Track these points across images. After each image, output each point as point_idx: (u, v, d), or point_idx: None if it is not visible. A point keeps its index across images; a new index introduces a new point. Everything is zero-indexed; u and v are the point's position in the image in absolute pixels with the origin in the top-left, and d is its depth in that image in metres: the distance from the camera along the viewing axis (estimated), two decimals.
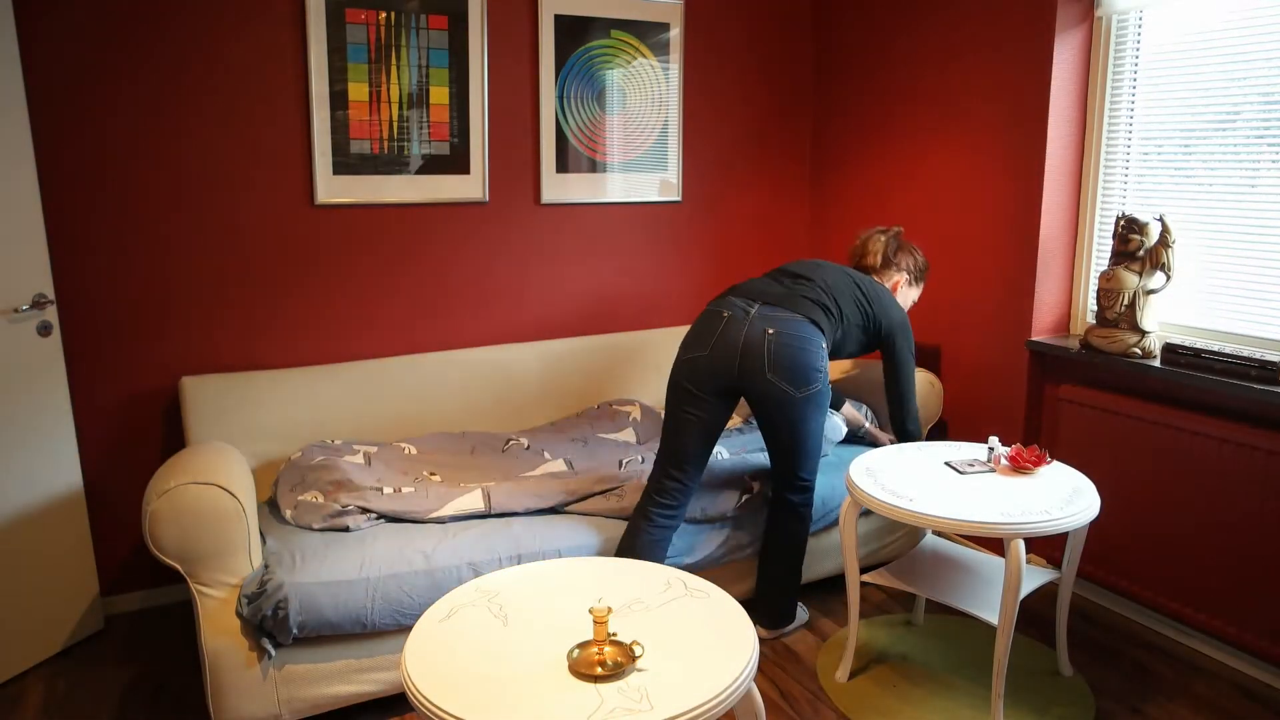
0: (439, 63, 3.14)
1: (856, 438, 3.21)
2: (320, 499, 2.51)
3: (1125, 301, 2.76)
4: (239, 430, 2.81)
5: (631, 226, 3.61)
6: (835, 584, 3.12)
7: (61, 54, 2.66)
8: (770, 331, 2.45)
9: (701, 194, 3.74)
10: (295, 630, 2.17)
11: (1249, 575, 2.50)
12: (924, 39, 3.36)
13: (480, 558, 2.39)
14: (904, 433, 2.81)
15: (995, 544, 3.27)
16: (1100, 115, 2.95)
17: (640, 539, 2.53)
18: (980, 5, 3.12)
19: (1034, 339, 3.04)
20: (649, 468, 3.03)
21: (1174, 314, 2.82)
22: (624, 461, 2.89)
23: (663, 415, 2.66)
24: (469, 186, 3.26)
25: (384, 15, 3.02)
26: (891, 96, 3.53)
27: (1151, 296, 2.74)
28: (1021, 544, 2.17)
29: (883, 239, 2.92)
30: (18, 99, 2.51)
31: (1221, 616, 2.58)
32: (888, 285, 2.90)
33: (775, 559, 2.67)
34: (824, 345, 2.51)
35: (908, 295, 2.99)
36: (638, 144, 3.55)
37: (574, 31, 3.35)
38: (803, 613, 2.87)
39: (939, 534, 3.37)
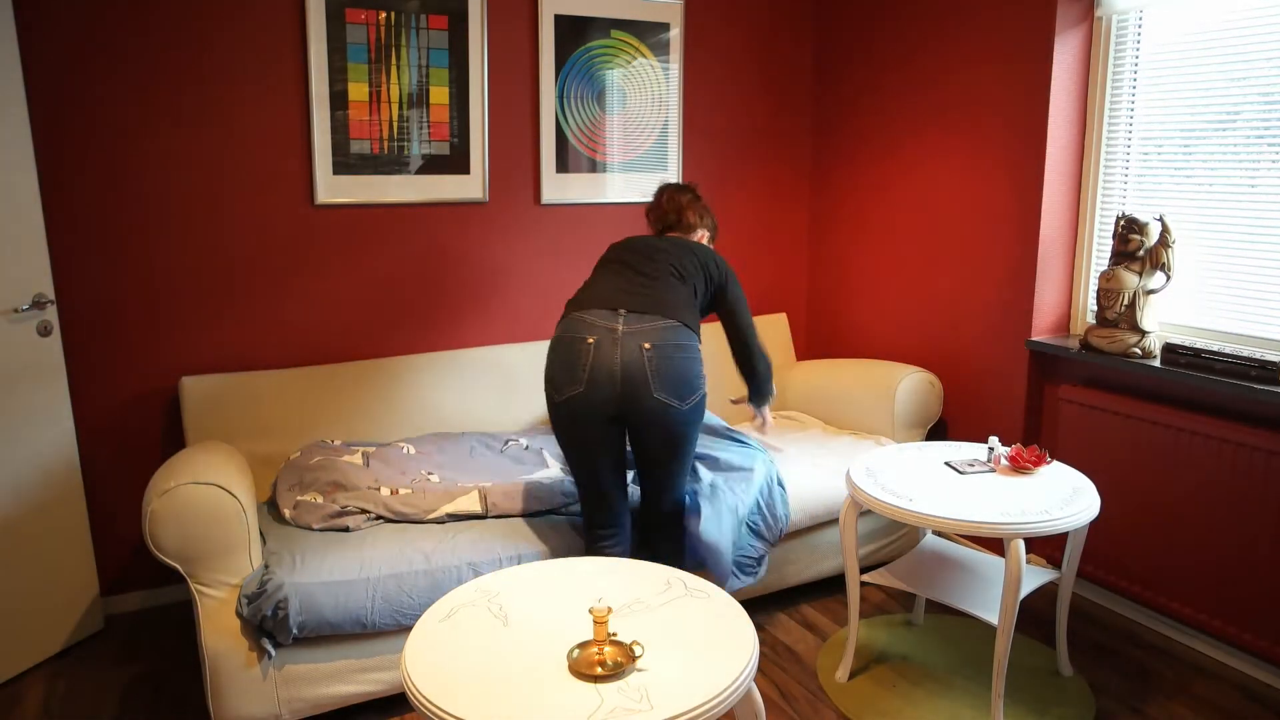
0: (439, 63, 3.14)
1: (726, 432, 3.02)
2: (319, 499, 2.51)
3: (1125, 301, 2.76)
4: (239, 430, 2.81)
5: (632, 227, 3.61)
6: (835, 584, 3.12)
7: (61, 54, 2.66)
8: (647, 348, 2.25)
9: (702, 194, 3.74)
10: (295, 630, 2.17)
11: (1249, 575, 2.50)
12: (924, 39, 3.36)
13: (480, 558, 2.39)
14: (754, 374, 2.68)
15: (995, 544, 3.27)
16: (1100, 115, 2.95)
17: None
18: (980, 5, 3.12)
19: (1034, 339, 3.04)
20: None
21: (1174, 314, 2.82)
22: None
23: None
24: (469, 186, 3.26)
25: (384, 15, 3.02)
26: (891, 96, 3.53)
27: (1151, 296, 2.74)
28: (1021, 544, 2.17)
29: (688, 197, 2.72)
30: (18, 99, 2.51)
31: (1221, 616, 2.58)
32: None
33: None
34: (699, 343, 2.37)
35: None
36: (638, 144, 3.55)
37: (574, 31, 3.34)
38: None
39: (939, 534, 3.37)
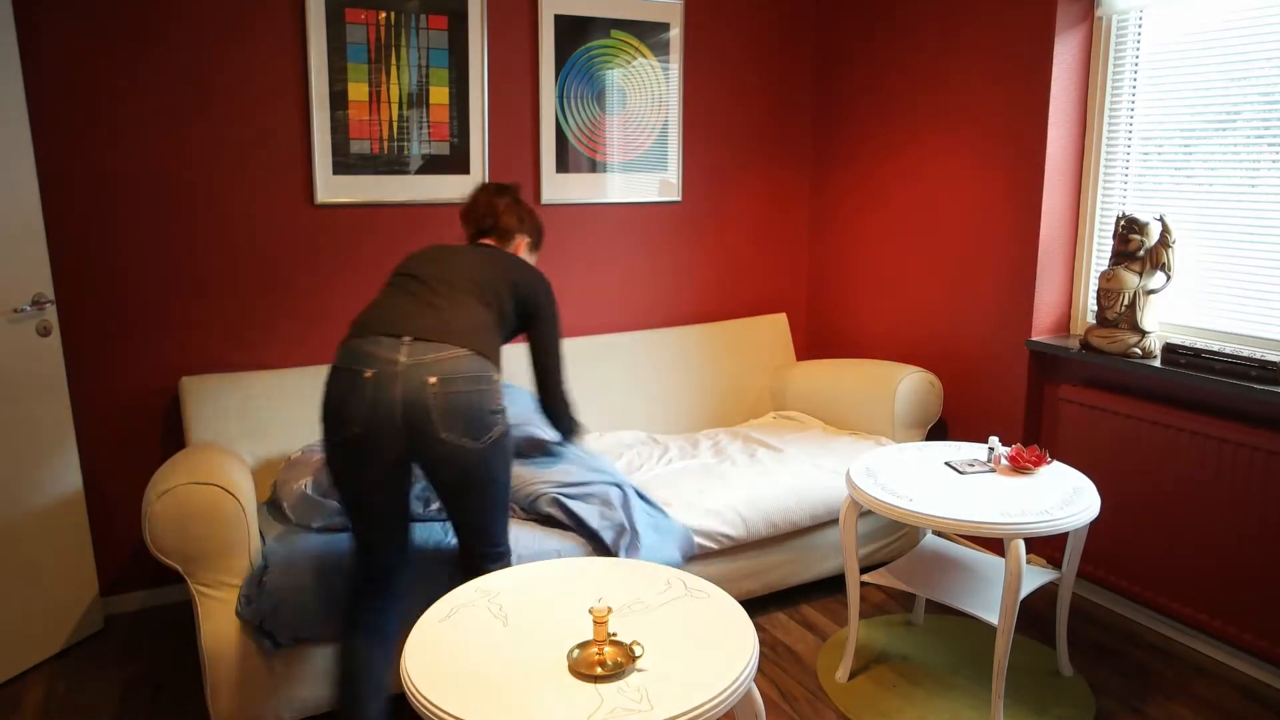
0: (439, 63, 3.14)
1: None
2: (306, 485, 2.47)
3: (1125, 301, 2.76)
4: (239, 430, 2.81)
5: (631, 226, 3.61)
6: (835, 584, 3.12)
7: (61, 54, 2.66)
8: (433, 381, 1.95)
9: (701, 194, 3.74)
10: (295, 630, 2.17)
11: (1249, 575, 2.50)
12: (924, 38, 3.36)
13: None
14: (553, 414, 2.41)
15: (995, 544, 3.27)
16: (1100, 115, 2.95)
17: (360, 660, 2.07)
18: (980, 5, 3.12)
19: (1034, 339, 3.04)
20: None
21: (1174, 314, 2.82)
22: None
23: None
24: (469, 186, 3.25)
25: (384, 15, 3.02)
26: (891, 96, 3.53)
27: (1151, 296, 2.74)
28: (1021, 544, 2.17)
29: (506, 199, 2.42)
30: (18, 99, 2.51)
31: (1221, 616, 2.58)
32: (512, 250, 2.43)
33: None
34: (498, 375, 2.07)
35: (529, 260, 2.50)
36: (638, 144, 3.55)
37: (574, 31, 3.34)
38: None
39: (939, 534, 3.37)
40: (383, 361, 1.97)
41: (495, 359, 2.09)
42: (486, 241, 2.39)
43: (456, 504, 2.08)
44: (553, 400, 2.38)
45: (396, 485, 2.06)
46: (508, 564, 2.19)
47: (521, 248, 2.44)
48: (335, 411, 1.99)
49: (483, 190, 2.43)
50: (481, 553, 2.15)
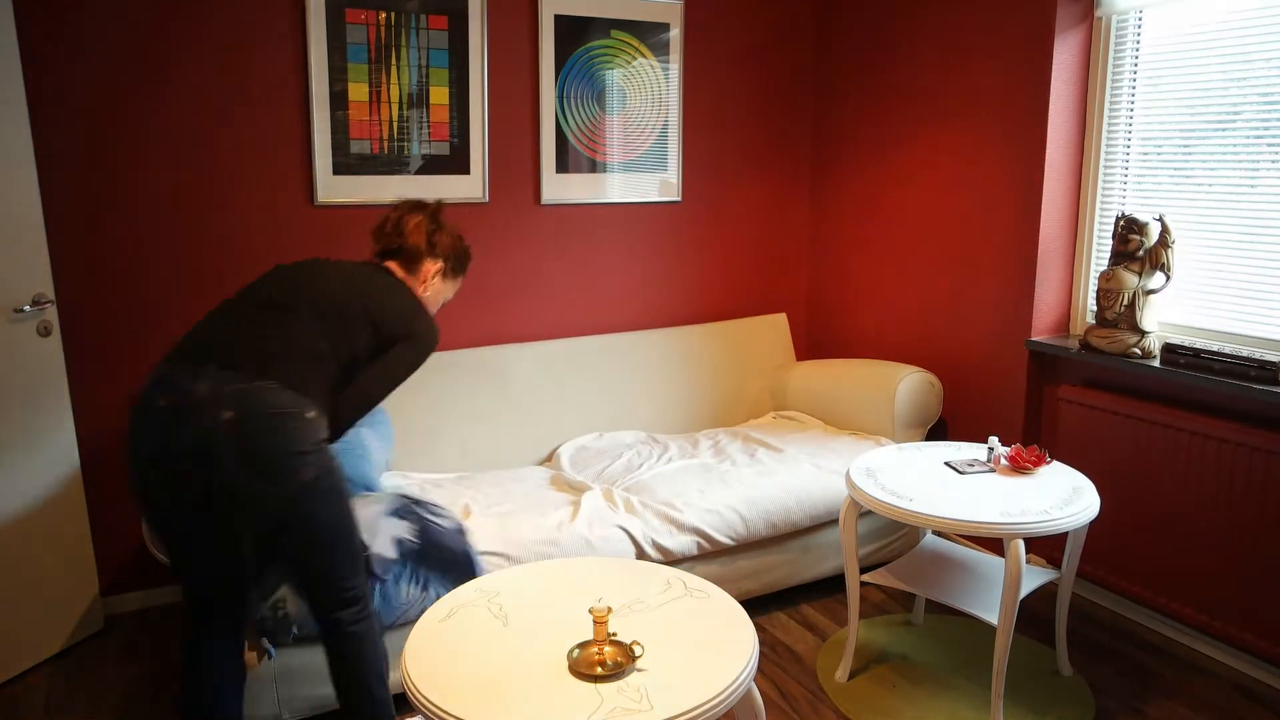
0: (439, 63, 3.14)
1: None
2: None
3: (1125, 301, 2.76)
4: None
5: (631, 226, 3.61)
6: (835, 584, 3.12)
7: (61, 54, 2.66)
8: (227, 417, 1.73)
9: (701, 194, 3.74)
10: (295, 630, 2.17)
11: (1249, 575, 2.51)
12: (924, 39, 3.36)
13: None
14: (339, 430, 2.01)
15: (995, 544, 3.27)
16: (1100, 115, 2.95)
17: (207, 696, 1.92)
18: (980, 6, 3.12)
19: (1034, 339, 3.04)
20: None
21: (1174, 314, 2.82)
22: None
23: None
24: (469, 186, 3.26)
25: (384, 15, 3.02)
26: (891, 97, 3.53)
27: (1151, 296, 2.74)
28: (1021, 544, 2.17)
29: (421, 216, 2.20)
30: (18, 99, 2.51)
31: (1221, 616, 2.58)
32: (420, 276, 2.19)
33: (355, 699, 1.95)
34: (311, 413, 1.81)
35: (442, 290, 2.26)
36: (638, 144, 3.55)
37: (574, 31, 3.35)
38: None
39: (939, 534, 3.37)
40: (181, 390, 1.76)
41: (314, 394, 1.86)
42: (390, 265, 2.17)
43: (279, 556, 1.87)
44: (343, 422, 1.99)
45: (206, 531, 1.83)
46: (363, 612, 1.94)
47: (430, 274, 2.19)
48: (134, 438, 1.80)
49: (397, 206, 2.22)
50: (330, 599, 1.90)
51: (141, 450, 1.78)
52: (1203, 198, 2.71)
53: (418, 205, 2.22)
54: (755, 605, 2.98)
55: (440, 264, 2.20)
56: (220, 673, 1.95)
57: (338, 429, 1.97)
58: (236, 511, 1.79)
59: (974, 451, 2.64)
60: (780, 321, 3.85)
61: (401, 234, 2.17)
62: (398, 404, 3.06)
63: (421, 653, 1.68)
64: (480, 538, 2.44)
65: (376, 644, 1.97)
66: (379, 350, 2.01)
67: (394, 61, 3.06)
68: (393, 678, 2.35)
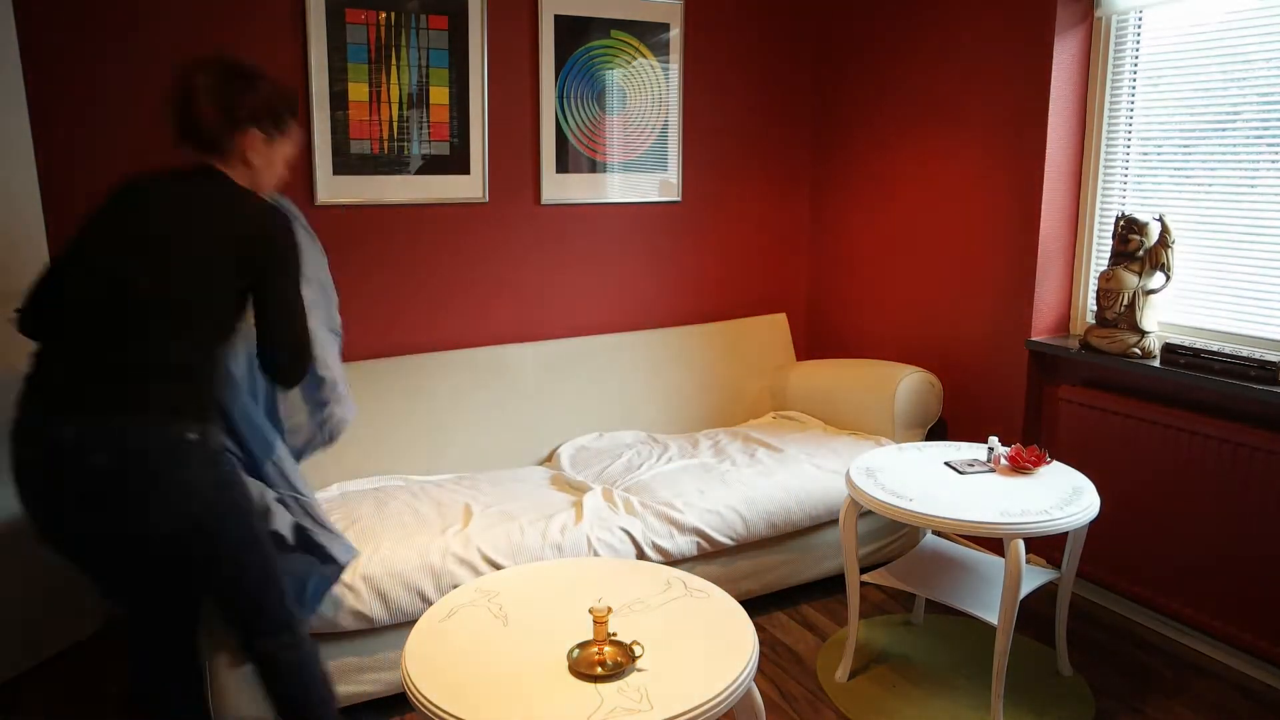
0: (439, 63, 3.14)
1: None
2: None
3: (1125, 301, 2.76)
4: None
5: (631, 226, 3.61)
6: (835, 584, 3.12)
7: (62, 54, 2.66)
8: (100, 462, 1.59)
9: (701, 194, 3.74)
10: None
11: (1249, 575, 2.51)
12: (924, 39, 3.36)
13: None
14: (290, 372, 1.82)
15: (995, 544, 3.27)
16: (1100, 115, 2.95)
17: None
18: (980, 5, 3.13)
19: (1034, 339, 3.04)
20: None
21: (1173, 314, 2.82)
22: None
23: None
24: (469, 186, 3.26)
25: (384, 15, 3.02)
26: (892, 96, 3.53)
27: (1151, 296, 2.74)
28: (1021, 544, 2.17)
29: (205, 77, 1.76)
30: (18, 98, 2.51)
31: (1221, 616, 2.58)
32: (237, 158, 1.81)
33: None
34: (194, 433, 1.66)
35: (272, 158, 1.86)
36: (638, 144, 3.55)
37: (574, 31, 3.35)
38: None
39: (939, 534, 3.37)
40: (47, 445, 1.60)
41: (198, 413, 1.68)
42: (208, 162, 1.79)
43: (195, 592, 1.78)
44: (280, 344, 1.76)
45: (119, 571, 1.73)
46: (294, 639, 1.84)
47: (253, 148, 1.80)
48: (24, 507, 1.66)
49: (182, 72, 1.76)
50: (254, 626, 1.80)
51: (32, 510, 1.66)
52: (1202, 198, 2.71)
53: (202, 63, 1.77)
54: (755, 605, 2.98)
55: (256, 129, 1.79)
56: (172, 680, 1.90)
57: (291, 377, 1.79)
58: (137, 553, 1.68)
59: (974, 451, 2.64)
60: (780, 321, 3.85)
61: (194, 116, 1.76)
62: (398, 404, 3.06)
63: (421, 653, 1.68)
64: (480, 539, 2.44)
65: (315, 674, 1.85)
66: (252, 279, 1.73)
67: (394, 61, 3.06)
68: (392, 677, 2.35)
